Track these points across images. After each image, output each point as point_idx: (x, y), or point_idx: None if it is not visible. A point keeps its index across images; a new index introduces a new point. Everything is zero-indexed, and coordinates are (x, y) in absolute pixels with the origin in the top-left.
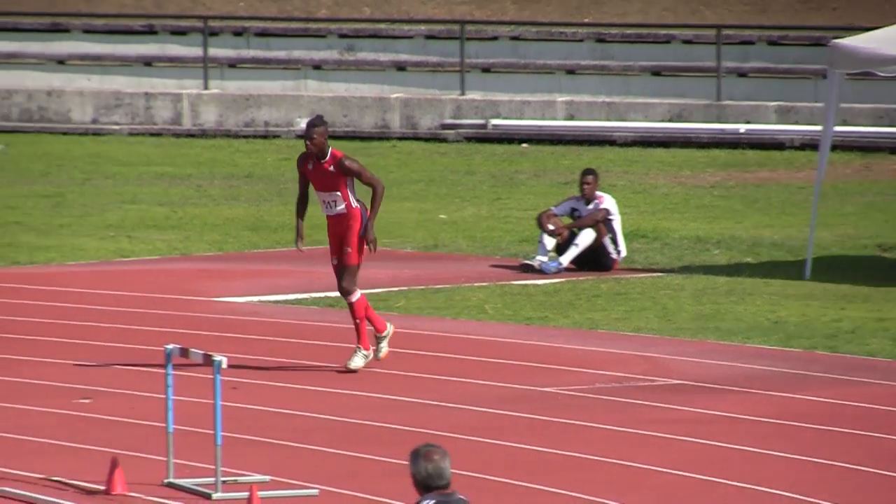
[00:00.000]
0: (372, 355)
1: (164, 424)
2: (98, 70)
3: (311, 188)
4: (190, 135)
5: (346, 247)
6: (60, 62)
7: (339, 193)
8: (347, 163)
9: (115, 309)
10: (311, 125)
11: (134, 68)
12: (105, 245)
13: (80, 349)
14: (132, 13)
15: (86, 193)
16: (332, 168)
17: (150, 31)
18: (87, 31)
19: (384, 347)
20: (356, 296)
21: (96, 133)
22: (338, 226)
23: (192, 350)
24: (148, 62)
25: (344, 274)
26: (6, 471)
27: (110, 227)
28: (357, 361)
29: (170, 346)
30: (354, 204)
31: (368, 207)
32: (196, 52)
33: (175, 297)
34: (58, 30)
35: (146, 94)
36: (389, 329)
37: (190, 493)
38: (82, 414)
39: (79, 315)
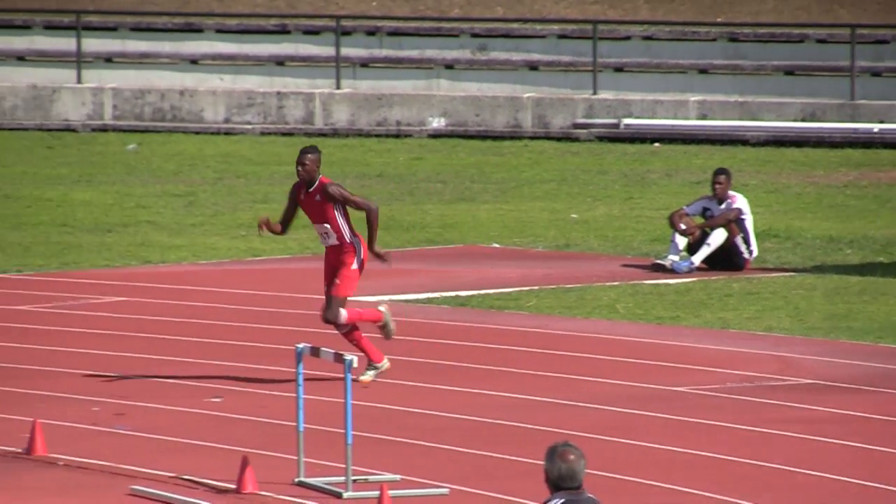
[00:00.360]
0: (385, 367)
1: (294, 423)
2: (230, 70)
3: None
4: (322, 134)
5: (336, 279)
6: (193, 62)
7: (328, 226)
8: (331, 189)
9: (246, 308)
10: (303, 152)
11: (266, 68)
12: (236, 244)
13: (210, 348)
14: (265, 13)
15: (217, 193)
16: (318, 197)
17: (283, 31)
18: (219, 31)
19: (371, 374)
20: (343, 317)
21: (228, 132)
22: (333, 257)
23: (323, 349)
24: (280, 62)
25: (330, 304)
26: (138, 469)
27: (242, 226)
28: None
29: (301, 345)
30: (348, 238)
31: (365, 238)
32: (328, 51)
33: (306, 296)
34: (190, 30)
35: (278, 93)
36: (385, 363)
37: (320, 492)
38: (213, 413)
39: (210, 314)
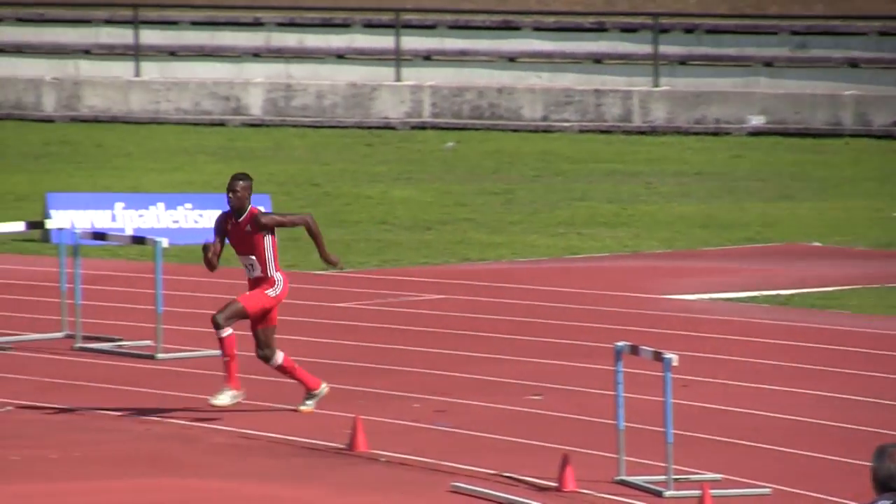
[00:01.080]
0: (324, 392)
1: (613, 422)
2: (548, 67)
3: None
4: (640, 132)
5: (248, 291)
6: (511, 59)
7: (253, 258)
8: (264, 219)
9: (564, 306)
10: (235, 178)
11: (584, 65)
12: (555, 242)
13: (530, 346)
14: (582, 11)
15: (536, 191)
16: (248, 227)
17: (601, 29)
18: (537, 29)
19: (311, 404)
20: (226, 332)
21: (546, 130)
22: (256, 286)
23: (642, 347)
24: (598, 59)
25: (226, 307)
26: (459, 466)
27: (560, 224)
28: (223, 399)
29: (620, 344)
30: (271, 273)
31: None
32: (646, 49)
33: (624, 295)
34: (508, 27)
35: (596, 91)
36: (323, 388)
37: (641, 491)
38: (533, 410)
39: (529, 312)
